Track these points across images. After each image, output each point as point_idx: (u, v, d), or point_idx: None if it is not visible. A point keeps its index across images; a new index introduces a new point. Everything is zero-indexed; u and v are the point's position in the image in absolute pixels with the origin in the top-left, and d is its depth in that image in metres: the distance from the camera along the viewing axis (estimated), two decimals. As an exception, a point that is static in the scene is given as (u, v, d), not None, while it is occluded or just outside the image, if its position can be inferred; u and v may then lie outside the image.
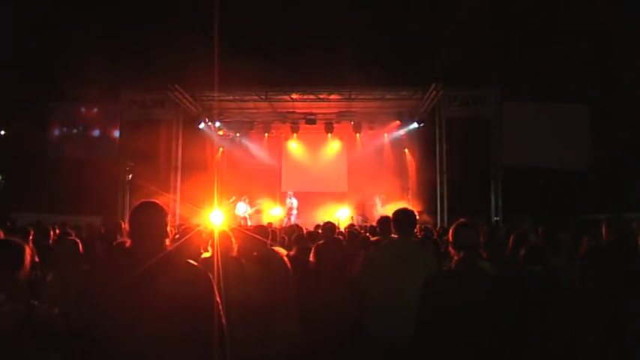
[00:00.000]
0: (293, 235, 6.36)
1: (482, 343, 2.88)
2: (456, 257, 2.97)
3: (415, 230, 3.90)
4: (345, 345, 3.66)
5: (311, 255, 4.01)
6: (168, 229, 2.30)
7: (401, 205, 5.16)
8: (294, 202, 15.65)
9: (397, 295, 3.46)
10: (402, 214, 3.85)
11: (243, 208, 15.28)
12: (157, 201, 2.33)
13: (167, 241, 2.25)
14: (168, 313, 2.03)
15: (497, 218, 12.20)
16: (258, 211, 15.87)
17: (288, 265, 3.84)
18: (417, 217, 3.99)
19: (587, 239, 4.94)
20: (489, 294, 2.95)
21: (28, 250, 2.57)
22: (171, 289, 2.06)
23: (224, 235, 3.60)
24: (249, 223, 14.60)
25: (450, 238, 3.00)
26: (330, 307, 3.60)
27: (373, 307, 3.57)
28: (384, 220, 4.93)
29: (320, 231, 6.07)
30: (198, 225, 5.75)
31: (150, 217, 2.23)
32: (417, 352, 3.06)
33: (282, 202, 17.53)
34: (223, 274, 3.14)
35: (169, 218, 2.33)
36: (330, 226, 5.72)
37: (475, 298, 2.88)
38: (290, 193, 15.84)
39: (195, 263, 2.32)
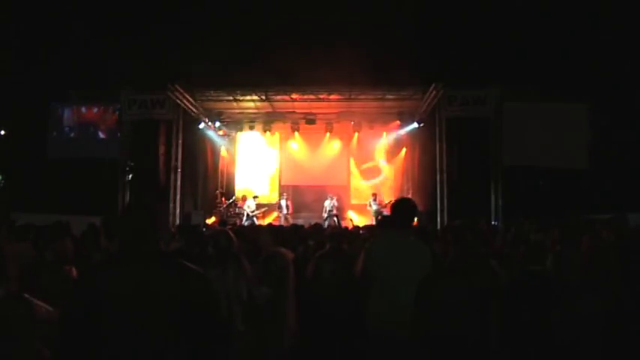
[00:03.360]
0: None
1: (477, 340, 2.88)
2: (454, 255, 2.97)
3: (412, 224, 3.78)
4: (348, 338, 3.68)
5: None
6: (163, 230, 2.24)
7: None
8: (336, 203, 15.69)
9: (396, 289, 3.44)
10: (398, 206, 3.75)
11: (251, 206, 15.34)
12: (150, 202, 2.29)
13: (162, 244, 2.19)
14: (165, 316, 2.00)
15: (496, 223, 12.19)
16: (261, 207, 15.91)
17: (291, 264, 3.89)
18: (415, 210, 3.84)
19: (587, 239, 4.93)
20: (484, 292, 2.95)
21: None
22: (166, 291, 2.02)
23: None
24: (255, 221, 14.65)
25: (450, 237, 3.01)
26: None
27: (375, 300, 3.55)
28: (384, 219, 4.94)
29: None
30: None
31: (144, 218, 2.18)
32: (411, 350, 3.07)
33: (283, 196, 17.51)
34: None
35: (164, 219, 2.28)
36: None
37: (471, 296, 2.88)
38: (330, 196, 15.79)
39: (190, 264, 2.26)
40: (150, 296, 2.00)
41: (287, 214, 15.55)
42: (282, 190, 16.98)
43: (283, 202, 15.78)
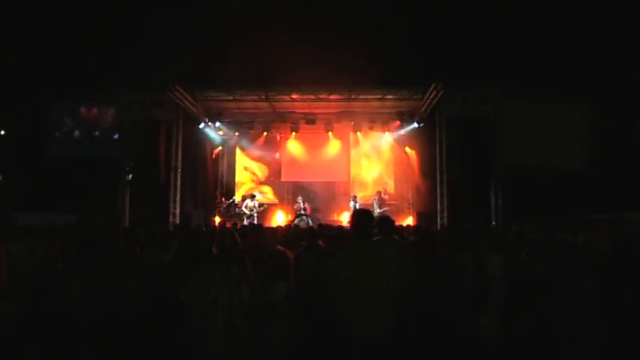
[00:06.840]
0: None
1: (463, 337, 2.89)
2: (444, 256, 2.97)
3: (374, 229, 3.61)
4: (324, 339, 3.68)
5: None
6: (120, 232, 2.10)
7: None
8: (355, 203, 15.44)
9: (365, 292, 3.32)
10: (359, 216, 3.59)
11: (250, 205, 15.27)
12: (107, 202, 2.19)
13: (121, 246, 2.07)
14: (122, 326, 1.88)
15: (495, 223, 12.19)
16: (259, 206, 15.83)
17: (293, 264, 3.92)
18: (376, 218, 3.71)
19: (585, 239, 4.92)
20: (470, 292, 2.96)
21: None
22: (123, 299, 1.90)
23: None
24: (254, 221, 14.61)
25: (439, 239, 3.02)
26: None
27: (344, 303, 3.44)
28: (383, 220, 4.93)
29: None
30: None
31: (101, 221, 2.04)
32: (402, 346, 3.06)
33: (283, 196, 17.47)
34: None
35: (122, 221, 2.14)
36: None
37: (456, 295, 2.89)
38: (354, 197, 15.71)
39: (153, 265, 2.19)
40: (104, 305, 1.87)
41: (305, 214, 15.16)
42: (282, 188, 16.93)
43: (301, 205, 15.38)
